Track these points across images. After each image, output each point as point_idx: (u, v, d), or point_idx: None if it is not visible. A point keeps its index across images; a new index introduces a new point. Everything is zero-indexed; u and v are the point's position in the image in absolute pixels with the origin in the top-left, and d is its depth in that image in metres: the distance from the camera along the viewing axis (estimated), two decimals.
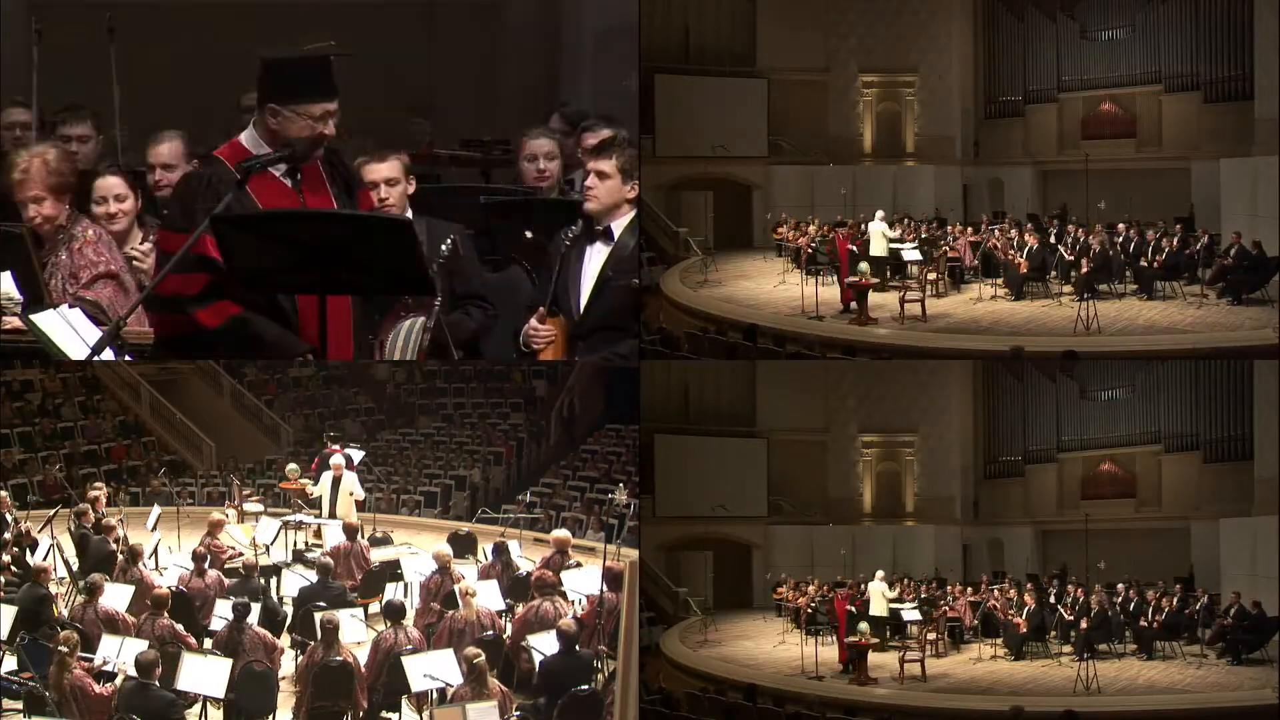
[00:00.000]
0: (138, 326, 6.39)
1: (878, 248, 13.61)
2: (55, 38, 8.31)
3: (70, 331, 6.25)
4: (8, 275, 6.57)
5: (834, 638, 13.46)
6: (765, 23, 15.47)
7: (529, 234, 7.59)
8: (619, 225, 7.36)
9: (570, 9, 11.78)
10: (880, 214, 13.76)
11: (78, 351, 6.21)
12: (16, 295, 6.53)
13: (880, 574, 13.50)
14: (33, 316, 6.29)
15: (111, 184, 7.13)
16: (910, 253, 13.34)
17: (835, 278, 13.64)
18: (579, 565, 11.97)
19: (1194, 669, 12.26)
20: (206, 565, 11.59)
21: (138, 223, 7.29)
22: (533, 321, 7.34)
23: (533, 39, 11.48)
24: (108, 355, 6.14)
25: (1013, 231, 13.75)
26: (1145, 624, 12.73)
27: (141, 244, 7.11)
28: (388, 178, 7.52)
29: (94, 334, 6.19)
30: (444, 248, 7.06)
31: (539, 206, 7.53)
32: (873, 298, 12.97)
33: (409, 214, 7.35)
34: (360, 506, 14.61)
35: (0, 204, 6.39)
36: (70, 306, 6.42)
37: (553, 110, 9.73)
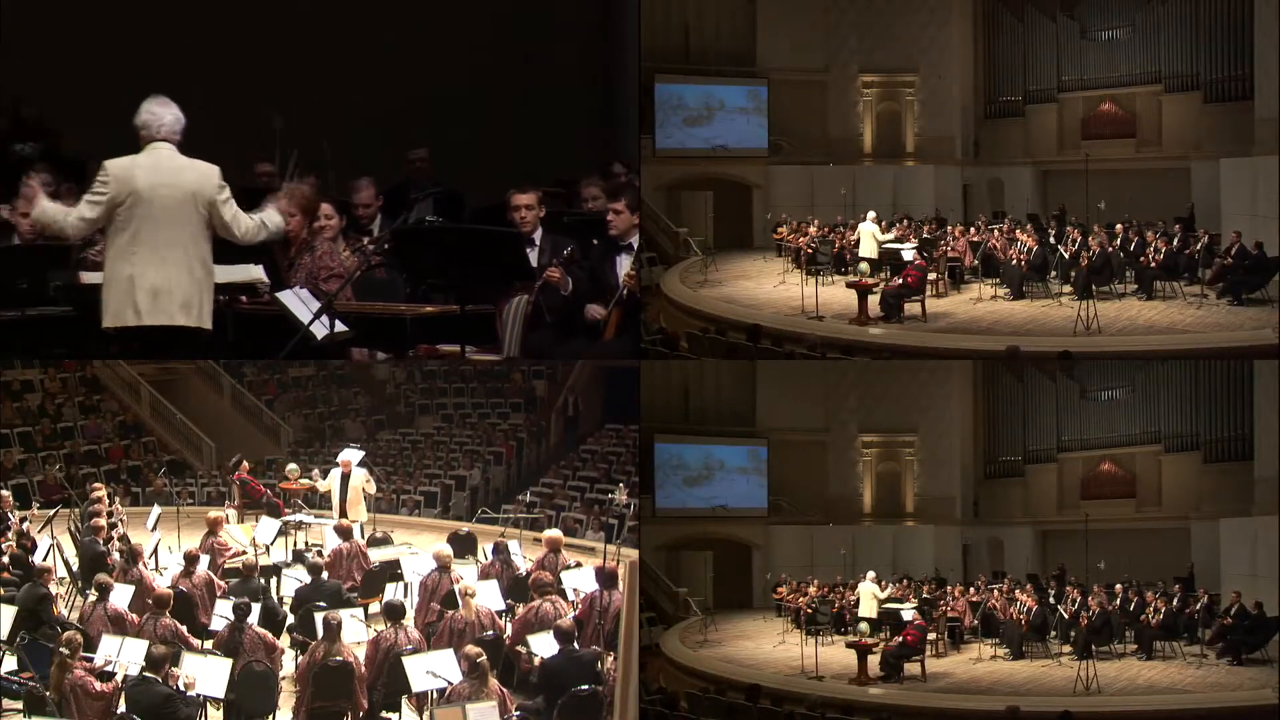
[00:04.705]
0: (345, 300, 9.19)
1: (867, 249, 13.62)
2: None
3: (300, 303, 8.85)
4: (260, 267, 9.17)
5: (834, 637, 13.49)
6: (765, 23, 15.49)
7: (595, 241, 10.23)
8: (634, 240, 10.23)
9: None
10: (871, 214, 13.75)
11: (305, 315, 8.74)
12: (266, 279, 9.20)
13: (871, 574, 13.48)
14: (278, 294, 8.99)
15: (325, 208, 9.87)
16: (909, 252, 13.33)
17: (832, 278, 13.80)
18: (579, 565, 11.96)
19: (1194, 669, 12.26)
20: (195, 565, 11.59)
21: (342, 237, 10.07)
22: (597, 308, 9.85)
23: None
24: (323, 323, 8.73)
25: (1019, 234, 13.75)
26: (1145, 624, 12.73)
27: (344, 251, 9.87)
28: (527, 204, 10.13)
29: (315, 304, 8.83)
30: (565, 253, 9.87)
31: (599, 223, 10.38)
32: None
33: (539, 231, 10.14)
34: (367, 504, 14.60)
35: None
36: (300, 288, 9.11)
37: (611, 160, 12.91)
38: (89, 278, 8.84)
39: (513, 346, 10.00)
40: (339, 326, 8.75)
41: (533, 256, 9.89)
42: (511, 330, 9.90)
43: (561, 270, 9.76)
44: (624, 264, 10.04)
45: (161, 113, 8.21)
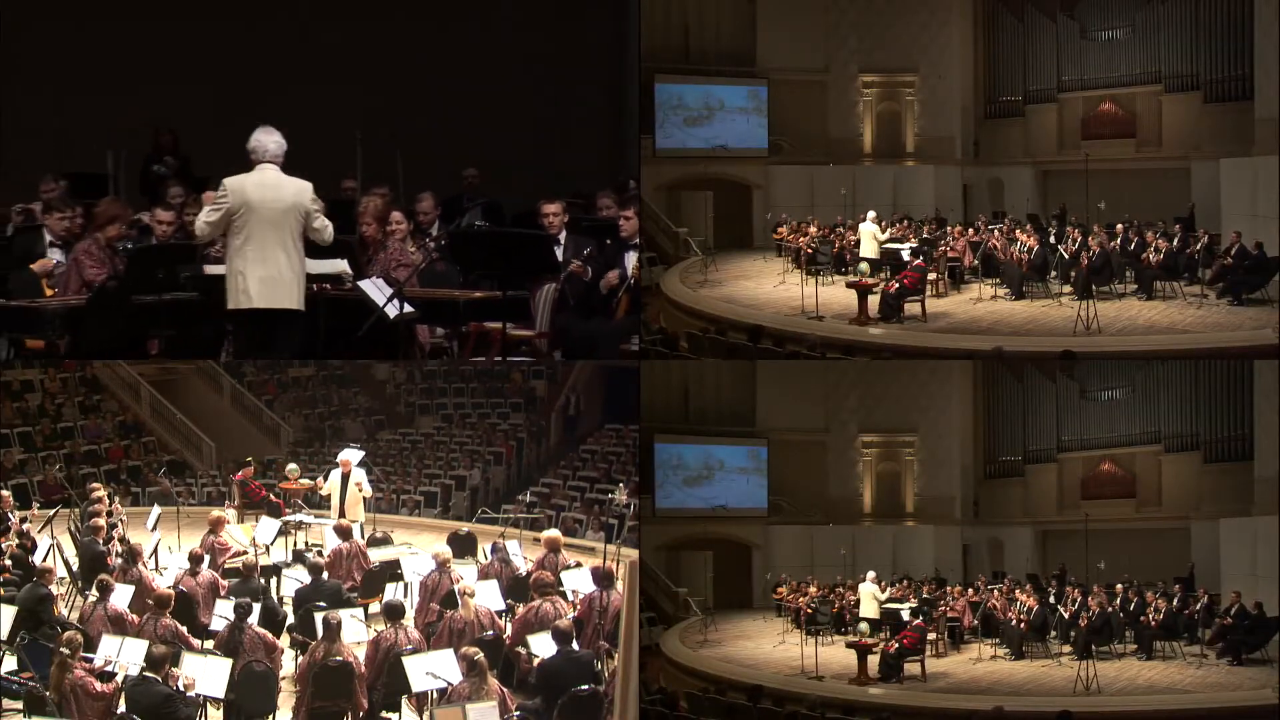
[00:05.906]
0: (412, 287, 11.18)
1: (868, 248, 13.61)
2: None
3: (376, 290, 10.76)
4: (345, 261, 10.99)
5: (834, 637, 13.49)
6: (765, 23, 15.49)
7: (609, 241, 12.18)
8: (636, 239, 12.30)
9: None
10: (871, 214, 13.75)
11: (380, 299, 10.65)
12: (350, 271, 10.99)
13: (871, 575, 13.47)
14: (359, 282, 10.89)
15: (395, 215, 12.16)
16: (906, 252, 13.32)
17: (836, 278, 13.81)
18: (579, 565, 11.96)
19: (1194, 669, 12.26)
20: (201, 565, 11.59)
21: (410, 237, 12.21)
22: (613, 275, 11.75)
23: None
24: (395, 305, 10.69)
25: (1018, 234, 13.75)
26: (1145, 624, 12.73)
27: (411, 249, 12.04)
28: (554, 212, 12.12)
29: (388, 290, 10.76)
30: (585, 251, 11.93)
31: (613, 227, 12.43)
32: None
33: (564, 233, 12.14)
34: (366, 505, 14.61)
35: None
36: (376, 277, 11.11)
37: (627, 177, 14.46)
38: (212, 270, 10.72)
39: (543, 324, 11.90)
40: (407, 308, 10.78)
41: (559, 253, 11.99)
42: (543, 311, 11.92)
43: (582, 264, 11.83)
44: (632, 259, 12.00)
45: (266, 140, 9.94)
